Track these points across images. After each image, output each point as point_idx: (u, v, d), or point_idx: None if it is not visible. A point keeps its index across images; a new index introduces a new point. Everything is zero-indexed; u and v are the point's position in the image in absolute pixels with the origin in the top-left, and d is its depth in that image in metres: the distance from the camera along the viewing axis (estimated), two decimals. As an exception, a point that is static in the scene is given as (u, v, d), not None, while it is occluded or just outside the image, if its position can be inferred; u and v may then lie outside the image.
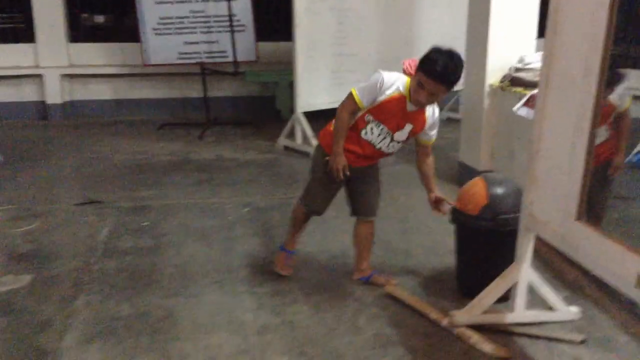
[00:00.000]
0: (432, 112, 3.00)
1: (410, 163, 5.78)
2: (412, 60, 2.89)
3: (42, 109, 7.97)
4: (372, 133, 3.00)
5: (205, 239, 3.97)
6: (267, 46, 7.91)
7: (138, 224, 4.23)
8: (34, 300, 3.14)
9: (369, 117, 2.97)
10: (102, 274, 3.43)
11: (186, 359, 2.62)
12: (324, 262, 3.59)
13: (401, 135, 3.00)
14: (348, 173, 3.02)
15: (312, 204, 3.28)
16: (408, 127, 2.98)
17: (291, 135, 6.37)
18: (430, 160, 3.18)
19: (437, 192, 3.20)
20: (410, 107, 2.92)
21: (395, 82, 2.89)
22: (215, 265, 3.55)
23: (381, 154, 3.09)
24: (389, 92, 2.89)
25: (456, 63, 2.76)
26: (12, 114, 7.81)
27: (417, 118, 2.97)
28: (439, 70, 2.71)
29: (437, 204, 3.21)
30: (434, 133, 3.08)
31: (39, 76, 7.88)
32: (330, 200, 3.26)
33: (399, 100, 2.90)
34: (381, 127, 2.97)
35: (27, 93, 7.99)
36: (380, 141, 3.02)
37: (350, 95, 2.95)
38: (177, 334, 2.82)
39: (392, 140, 3.02)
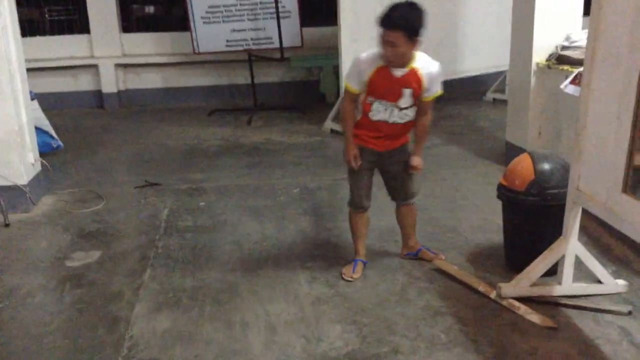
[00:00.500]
0: (427, 68, 2.96)
1: (456, 143, 5.87)
2: None
3: (98, 98, 8.32)
4: (379, 111, 3.04)
5: (259, 217, 4.16)
6: (312, 31, 8.03)
7: (195, 204, 4.46)
8: (104, 274, 3.39)
9: (370, 99, 3.03)
10: (166, 250, 3.67)
11: (248, 326, 2.81)
12: (375, 238, 3.71)
13: (405, 101, 3.01)
14: (359, 162, 3.11)
15: (354, 201, 3.28)
16: (407, 92, 2.98)
17: (337, 118, 6.50)
18: (425, 120, 3.13)
19: (417, 159, 3.16)
20: (396, 72, 2.94)
21: (373, 57, 2.95)
22: (269, 242, 3.74)
23: (399, 127, 3.09)
24: (371, 69, 2.95)
25: (406, 9, 2.81)
26: (71, 103, 8.18)
27: (411, 80, 2.96)
28: (384, 16, 2.80)
29: (411, 169, 3.20)
30: (436, 89, 3.02)
31: (95, 66, 8.22)
32: (367, 191, 3.26)
33: (382, 71, 2.94)
34: (383, 102, 3.01)
35: (83, 83, 8.34)
36: (389, 115, 3.04)
37: (345, 86, 3.10)
38: (237, 304, 3.01)
39: (400, 109, 3.03)
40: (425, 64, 2.97)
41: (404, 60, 2.90)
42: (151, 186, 4.88)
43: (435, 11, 6.68)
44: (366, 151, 3.15)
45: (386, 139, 3.13)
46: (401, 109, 3.03)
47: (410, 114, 3.06)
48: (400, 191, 3.32)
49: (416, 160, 3.17)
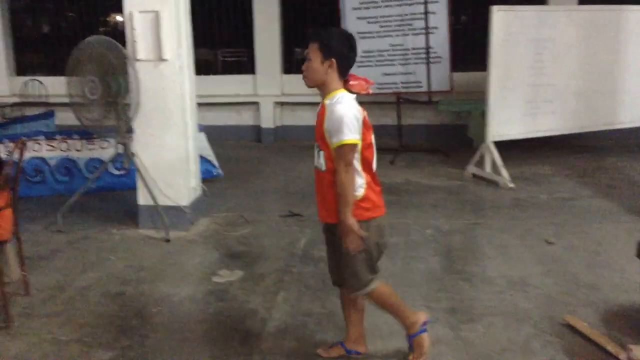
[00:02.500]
0: (332, 106, 2.56)
1: (606, 197, 5.57)
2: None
3: (257, 132, 9.06)
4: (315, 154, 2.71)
5: (389, 254, 4.26)
6: (462, 76, 8.09)
7: (331, 236, 4.71)
8: (244, 291, 3.73)
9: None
10: (300, 276, 3.94)
11: (366, 357, 2.94)
12: (503, 286, 3.67)
13: (317, 139, 2.65)
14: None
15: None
16: (317, 128, 2.64)
17: (480, 163, 6.46)
18: (336, 177, 2.55)
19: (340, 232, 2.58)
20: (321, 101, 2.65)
21: None
22: (396, 279, 3.84)
23: (319, 177, 2.71)
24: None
25: (332, 29, 2.72)
26: (233, 135, 8.99)
27: (319, 114, 2.64)
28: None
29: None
30: (337, 136, 2.50)
31: (256, 103, 8.99)
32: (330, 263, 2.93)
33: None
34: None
35: (245, 118, 9.15)
36: (316, 158, 2.70)
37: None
38: (359, 334, 3.16)
39: (317, 150, 2.66)
40: (334, 101, 2.57)
41: (316, 79, 2.63)
42: (294, 216, 5.23)
43: (591, 61, 6.54)
44: None
45: (318, 197, 2.75)
46: (318, 149, 2.68)
47: (321, 160, 2.64)
48: (340, 274, 2.81)
49: (340, 232, 2.59)
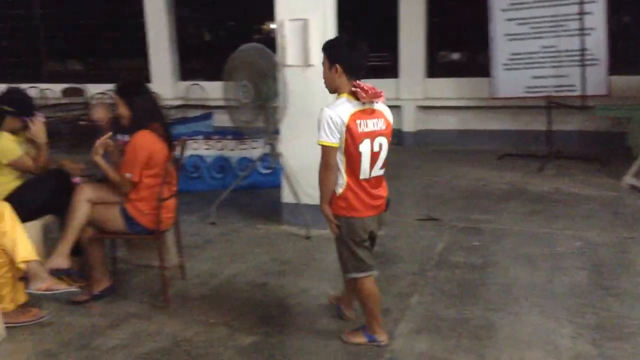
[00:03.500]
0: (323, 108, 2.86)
1: None
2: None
3: (398, 136, 9.08)
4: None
5: (531, 264, 4.13)
6: (621, 80, 7.50)
7: (470, 242, 4.63)
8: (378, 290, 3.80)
9: None
10: (434, 281, 3.93)
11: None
12: (614, 301, 3.39)
13: None
14: None
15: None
16: None
17: (639, 174, 5.96)
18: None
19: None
20: None
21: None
22: (538, 291, 3.70)
23: None
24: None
25: (339, 37, 3.19)
26: (374, 139, 9.11)
27: None
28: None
29: None
30: (319, 135, 2.85)
31: (398, 107, 9.03)
32: None
33: None
34: None
35: (387, 121, 9.22)
36: None
37: None
38: (494, 343, 3.10)
39: None
40: (330, 104, 2.87)
41: (330, 85, 2.95)
42: (431, 220, 5.21)
43: None
44: None
45: None
46: None
47: None
48: None
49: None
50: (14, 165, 3.78)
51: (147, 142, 3.48)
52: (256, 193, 6.25)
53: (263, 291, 3.85)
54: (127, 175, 3.47)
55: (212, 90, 9.50)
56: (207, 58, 10.44)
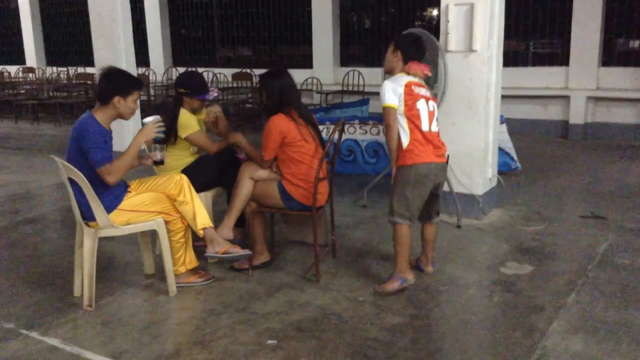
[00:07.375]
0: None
1: None
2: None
3: (563, 128, 8.53)
4: None
5: None
6: None
7: (638, 245, 4.26)
8: (532, 287, 3.66)
9: None
10: (595, 281, 3.69)
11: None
12: None
13: None
14: None
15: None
16: None
17: None
18: None
19: None
20: None
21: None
22: None
23: None
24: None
25: (408, 33, 4.08)
26: (537, 129, 8.65)
27: None
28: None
29: None
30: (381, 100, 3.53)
31: (566, 97, 8.46)
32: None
33: None
34: None
35: (552, 112, 8.68)
36: None
37: None
38: (660, 353, 2.85)
39: None
40: (389, 79, 3.59)
41: (388, 65, 3.70)
42: (596, 218, 4.86)
43: None
44: None
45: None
46: None
47: None
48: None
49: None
50: (190, 140, 4.16)
51: (276, 124, 3.74)
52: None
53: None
54: (262, 153, 3.82)
55: (370, 77, 9.63)
56: (366, 45, 10.57)
